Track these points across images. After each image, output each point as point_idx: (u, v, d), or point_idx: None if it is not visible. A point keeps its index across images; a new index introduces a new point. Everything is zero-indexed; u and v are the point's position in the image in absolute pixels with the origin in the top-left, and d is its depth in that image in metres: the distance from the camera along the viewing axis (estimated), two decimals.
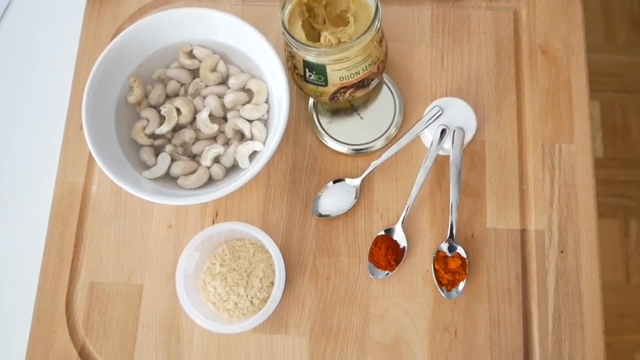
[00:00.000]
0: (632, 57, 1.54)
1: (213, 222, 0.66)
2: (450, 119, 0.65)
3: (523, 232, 0.65)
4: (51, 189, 0.69)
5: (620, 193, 1.45)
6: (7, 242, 0.70)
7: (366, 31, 0.57)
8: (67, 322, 0.65)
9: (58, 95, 0.72)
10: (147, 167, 0.63)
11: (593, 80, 0.70)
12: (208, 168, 0.62)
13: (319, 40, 0.60)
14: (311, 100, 0.69)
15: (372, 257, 0.64)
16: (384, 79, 0.69)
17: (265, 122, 0.64)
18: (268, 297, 0.61)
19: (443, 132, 0.64)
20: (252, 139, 0.63)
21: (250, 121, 0.63)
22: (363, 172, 0.66)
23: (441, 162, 0.66)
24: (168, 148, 0.63)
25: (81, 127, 0.69)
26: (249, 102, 0.64)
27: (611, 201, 1.44)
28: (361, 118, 0.68)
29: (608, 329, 0.63)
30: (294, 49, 0.59)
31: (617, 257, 1.39)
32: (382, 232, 0.64)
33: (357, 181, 0.66)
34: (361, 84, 0.62)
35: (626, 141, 1.49)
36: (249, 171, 0.58)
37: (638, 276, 1.38)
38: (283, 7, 0.60)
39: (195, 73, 0.66)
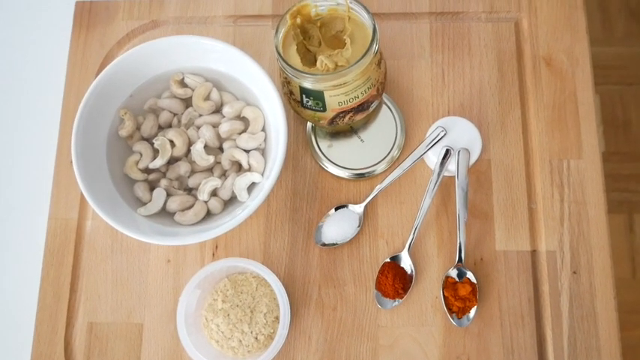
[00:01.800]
0: (630, 48, 1.51)
1: (214, 255, 0.64)
2: (453, 140, 0.63)
3: (534, 253, 0.63)
4: (44, 226, 0.66)
5: (623, 188, 1.44)
6: (2, 282, 0.67)
7: (364, 55, 0.55)
8: None
9: (47, 127, 0.70)
10: (142, 203, 0.61)
11: None
12: (206, 202, 0.60)
13: (315, 63, 0.58)
14: (309, 124, 0.67)
15: (379, 286, 0.62)
16: (384, 99, 0.67)
17: (263, 151, 0.62)
18: (273, 332, 0.59)
19: (447, 153, 0.62)
20: (249, 169, 0.61)
21: (247, 151, 0.61)
22: (367, 197, 0.63)
23: (447, 184, 0.64)
24: (164, 182, 0.61)
25: (72, 162, 0.67)
26: (245, 131, 0.62)
27: (615, 196, 1.42)
28: (362, 140, 0.66)
29: None
30: (290, 76, 0.57)
31: (622, 253, 1.38)
32: (388, 260, 0.62)
33: (360, 207, 0.63)
34: (361, 107, 0.60)
35: (627, 134, 1.47)
36: (249, 206, 0.55)
37: None
38: (277, 31, 0.57)
39: (187, 102, 0.64)
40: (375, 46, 0.56)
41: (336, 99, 0.58)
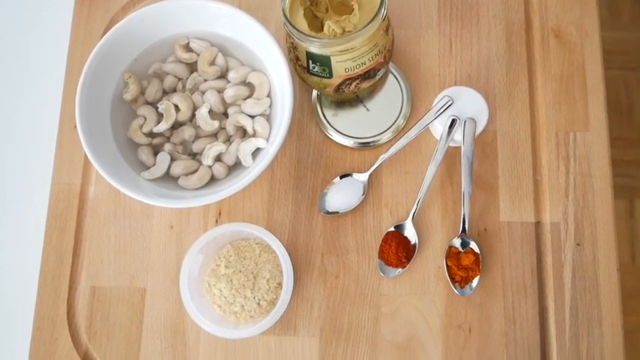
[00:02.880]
0: (635, 33, 1.50)
1: (217, 221, 0.64)
2: (460, 109, 0.62)
3: (538, 224, 0.62)
4: (47, 191, 0.66)
5: (625, 173, 1.43)
6: (5, 247, 0.67)
7: (372, 20, 0.54)
8: (69, 328, 0.63)
9: (51, 93, 0.69)
10: (145, 167, 0.60)
11: None
12: (210, 167, 0.59)
13: (322, 30, 0.57)
14: (314, 92, 0.66)
15: (382, 255, 0.61)
16: (391, 68, 0.66)
17: (268, 117, 0.61)
18: (276, 298, 0.59)
19: (453, 123, 0.62)
20: (254, 135, 0.60)
21: (252, 117, 0.60)
22: (371, 166, 0.63)
23: (452, 154, 0.64)
24: (168, 146, 0.60)
25: (75, 127, 0.66)
26: (250, 96, 0.61)
27: (617, 181, 1.41)
28: (367, 109, 0.65)
29: None
30: (297, 40, 0.57)
31: (622, 238, 1.38)
32: (392, 229, 0.62)
33: (364, 176, 0.63)
34: (367, 75, 0.60)
35: (630, 120, 1.46)
36: (253, 170, 0.55)
37: None
38: None
39: (193, 67, 0.63)
40: (383, 11, 0.55)
41: (343, 65, 0.57)
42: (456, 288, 0.60)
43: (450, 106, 0.62)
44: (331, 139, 0.65)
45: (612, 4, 1.51)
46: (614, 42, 1.48)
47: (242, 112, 0.61)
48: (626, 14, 1.51)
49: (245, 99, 0.61)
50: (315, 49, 0.56)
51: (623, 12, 1.51)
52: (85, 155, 0.66)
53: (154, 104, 0.62)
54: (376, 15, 0.55)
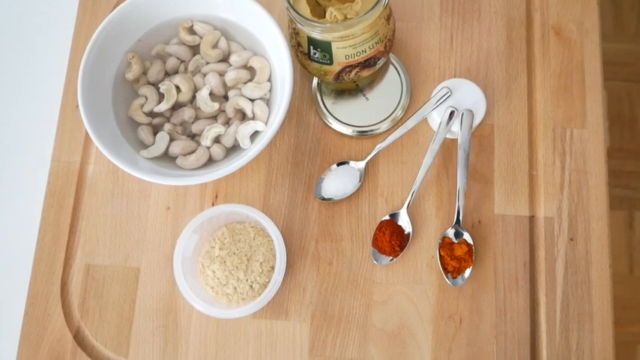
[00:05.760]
0: None
1: (213, 204, 0.65)
2: (458, 101, 0.63)
3: (532, 218, 0.63)
4: (46, 169, 0.67)
5: (625, 184, 1.43)
6: (2, 222, 0.68)
7: (373, 7, 0.55)
8: (62, 304, 0.63)
9: (54, 72, 0.70)
10: (145, 146, 0.61)
11: None
12: (208, 148, 0.60)
13: (324, 17, 0.58)
14: (315, 80, 0.67)
15: (376, 243, 0.62)
16: (391, 59, 0.67)
17: (267, 101, 0.62)
18: (268, 282, 0.59)
19: (451, 114, 0.62)
20: (253, 118, 0.61)
21: (252, 100, 0.61)
22: (368, 154, 0.63)
23: (449, 145, 0.64)
24: (167, 127, 0.61)
25: (77, 106, 0.67)
26: (251, 80, 0.62)
27: (617, 192, 1.42)
28: (367, 99, 0.66)
29: None
30: (299, 26, 0.57)
31: (620, 249, 1.38)
32: (387, 217, 0.62)
33: (361, 164, 0.64)
34: (367, 63, 0.60)
35: (632, 131, 1.46)
36: (251, 151, 0.56)
37: None
38: None
39: (195, 49, 0.64)
40: None
41: (344, 51, 0.58)
42: (448, 278, 0.60)
43: (448, 97, 0.63)
44: (330, 127, 0.66)
45: (617, 16, 1.52)
46: (618, 54, 1.49)
47: (242, 96, 0.61)
48: (630, 26, 1.51)
49: (246, 82, 0.62)
50: (316, 34, 0.57)
51: (627, 24, 1.51)
52: (86, 134, 0.67)
53: (155, 85, 0.62)
54: (378, 2, 0.55)
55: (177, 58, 0.63)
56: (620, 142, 1.45)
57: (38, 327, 0.62)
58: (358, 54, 0.59)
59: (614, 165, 1.44)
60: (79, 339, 0.62)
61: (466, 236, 0.61)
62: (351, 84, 0.65)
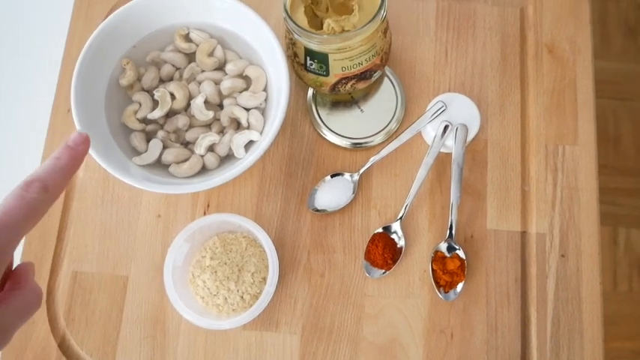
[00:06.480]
0: (626, 64, 1.53)
1: (205, 213, 0.64)
2: (452, 115, 0.63)
3: (524, 234, 0.63)
4: None
5: (610, 201, 1.45)
6: None
7: (371, 20, 0.55)
8: (48, 312, 0.62)
9: (46, 76, 0.69)
10: (137, 153, 0.60)
11: None
12: (202, 156, 0.59)
13: (321, 29, 0.58)
14: (310, 91, 0.67)
15: (369, 255, 0.62)
16: (387, 72, 0.67)
17: (263, 111, 0.62)
18: (260, 293, 0.59)
19: (445, 128, 0.62)
20: (248, 128, 0.60)
21: (247, 110, 0.61)
22: (362, 167, 0.63)
23: (442, 160, 0.64)
24: (161, 134, 0.60)
25: (69, 110, 0.66)
26: (246, 89, 0.62)
27: (602, 208, 1.43)
28: (362, 111, 0.66)
29: None
30: (296, 36, 0.57)
31: (605, 265, 1.39)
32: (380, 230, 0.62)
33: (355, 176, 0.63)
34: (363, 75, 0.60)
35: (617, 148, 1.48)
36: (246, 160, 0.55)
37: (625, 283, 1.38)
38: None
39: (191, 57, 0.63)
40: (382, 13, 0.56)
41: (340, 63, 0.58)
42: (440, 292, 0.60)
43: (443, 111, 0.63)
44: (324, 138, 0.65)
45: (604, 35, 1.54)
46: (605, 72, 1.51)
47: (237, 105, 0.61)
48: (617, 45, 1.54)
49: (241, 91, 0.61)
50: (313, 45, 0.57)
51: (614, 43, 1.54)
52: None
53: (149, 91, 0.62)
54: (375, 15, 0.55)
55: (173, 65, 0.63)
56: (606, 159, 1.47)
57: (22, 334, 0.61)
58: (355, 66, 0.59)
59: (600, 181, 1.46)
60: (64, 347, 0.61)
61: (459, 251, 0.61)
62: (347, 96, 0.65)
